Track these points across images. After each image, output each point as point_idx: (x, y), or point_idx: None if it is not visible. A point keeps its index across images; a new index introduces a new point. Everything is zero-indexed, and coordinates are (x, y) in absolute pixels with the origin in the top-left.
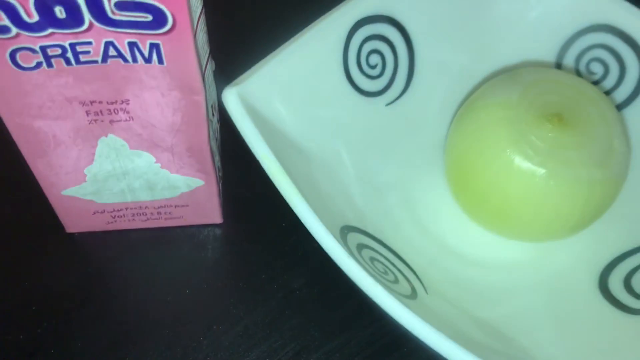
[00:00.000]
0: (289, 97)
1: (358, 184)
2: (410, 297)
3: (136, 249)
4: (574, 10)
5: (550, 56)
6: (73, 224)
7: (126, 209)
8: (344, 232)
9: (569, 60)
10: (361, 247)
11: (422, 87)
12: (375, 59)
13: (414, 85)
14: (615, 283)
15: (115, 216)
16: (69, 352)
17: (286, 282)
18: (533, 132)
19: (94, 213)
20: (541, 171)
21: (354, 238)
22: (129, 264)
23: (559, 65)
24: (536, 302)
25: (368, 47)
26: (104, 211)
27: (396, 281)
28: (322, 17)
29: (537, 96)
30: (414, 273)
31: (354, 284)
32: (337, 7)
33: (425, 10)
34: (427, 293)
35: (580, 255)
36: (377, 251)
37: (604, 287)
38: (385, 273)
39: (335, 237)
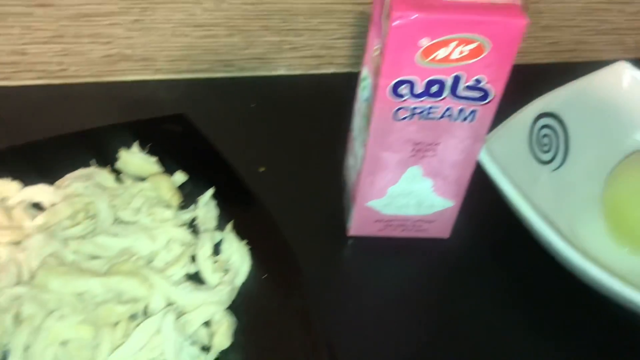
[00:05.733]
0: (508, 154)
1: None
2: None
3: (391, 252)
4: None
5: None
6: (358, 228)
7: (396, 220)
8: None
9: None
10: None
11: (574, 159)
12: (546, 140)
13: (569, 158)
14: None
15: (386, 225)
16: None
17: (495, 280)
18: None
19: (375, 221)
20: None
21: None
22: (385, 264)
23: None
24: None
25: (543, 132)
26: (381, 220)
27: None
28: (518, 111)
29: None
30: None
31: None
32: (527, 105)
33: (575, 109)
34: None
35: None
36: None
37: None
38: None
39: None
